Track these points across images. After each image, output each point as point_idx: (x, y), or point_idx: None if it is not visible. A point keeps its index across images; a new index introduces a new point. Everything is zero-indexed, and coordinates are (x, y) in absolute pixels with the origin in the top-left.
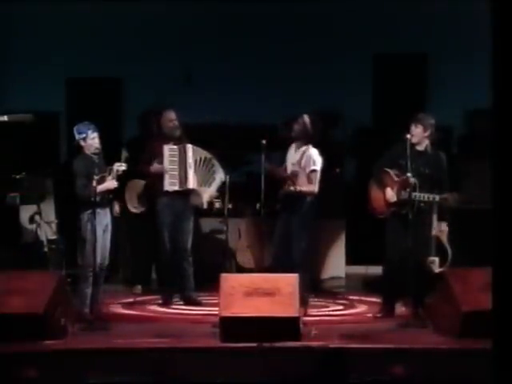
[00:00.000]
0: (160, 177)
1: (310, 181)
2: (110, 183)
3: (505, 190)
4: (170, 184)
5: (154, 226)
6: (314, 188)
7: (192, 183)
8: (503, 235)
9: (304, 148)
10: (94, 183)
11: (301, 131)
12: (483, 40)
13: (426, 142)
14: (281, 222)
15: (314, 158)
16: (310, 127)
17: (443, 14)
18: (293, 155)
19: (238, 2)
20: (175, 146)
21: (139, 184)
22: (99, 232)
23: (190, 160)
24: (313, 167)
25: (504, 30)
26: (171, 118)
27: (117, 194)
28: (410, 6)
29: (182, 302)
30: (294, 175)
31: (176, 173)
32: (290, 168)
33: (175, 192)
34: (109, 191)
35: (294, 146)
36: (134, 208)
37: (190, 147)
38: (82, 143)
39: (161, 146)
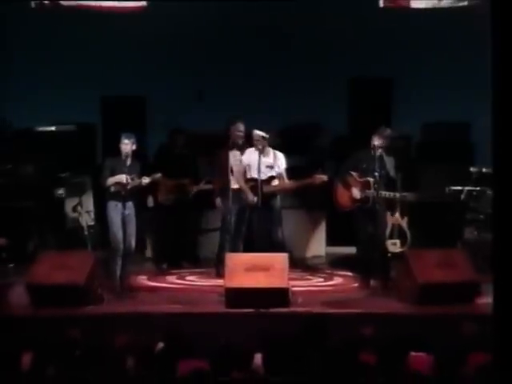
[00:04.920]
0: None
1: (285, 178)
2: (121, 178)
3: (504, 189)
4: (234, 183)
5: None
6: (292, 183)
7: None
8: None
9: (271, 152)
10: (125, 178)
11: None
12: (439, 65)
13: (381, 150)
14: (261, 213)
15: (283, 158)
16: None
17: (408, 45)
18: (262, 159)
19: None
20: (238, 152)
21: (169, 182)
22: (119, 221)
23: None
24: (285, 166)
25: (504, 30)
26: (240, 129)
27: (149, 191)
28: (379, 39)
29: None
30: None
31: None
32: (263, 169)
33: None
34: (137, 189)
35: (252, 150)
36: (165, 200)
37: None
38: (120, 147)
39: (227, 153)
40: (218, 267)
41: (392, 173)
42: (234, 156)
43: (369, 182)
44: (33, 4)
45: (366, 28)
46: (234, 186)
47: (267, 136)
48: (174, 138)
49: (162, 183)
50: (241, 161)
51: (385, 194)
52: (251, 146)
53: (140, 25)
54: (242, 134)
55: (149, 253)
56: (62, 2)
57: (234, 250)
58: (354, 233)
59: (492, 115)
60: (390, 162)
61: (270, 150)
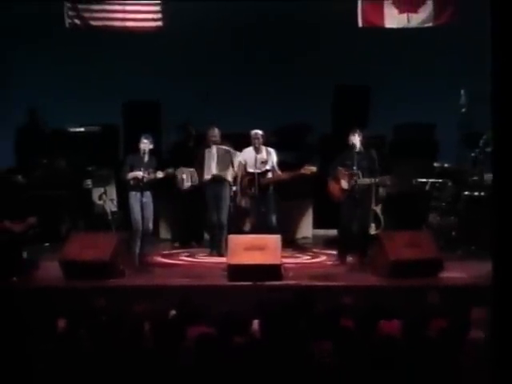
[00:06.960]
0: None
1: (277, 170)
2: (138, 174)
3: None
4: (206, 174)
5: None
6: (285, 174)
7: (214, 171)
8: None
9: (264, 149)
10: (143, 172)
11: (263, 140)
12: (409, 75)
13: (359, 145)
14: (258, 202)
15: (274, 153)
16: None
17: (382, 58)
18: (257, 156)
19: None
20: (209, 148)
21: (185, 170)
22: (138, 207)
23: (214, 156)
24: (276, 159)
25: (504, 30)
26: (213, 133)
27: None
28: (359, 54)
29: (215, 254)
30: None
31: (209, 165)
32: (259, 164)
33: (214, 177)
34: (153, 182)
35: (248, 150)
36: (183, 186)
37: (214, 147)
38: (139, 146)
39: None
40: (210, 247)
41: (372, 165)
42: (208, 152)
43: (353, 173)
44: (67, 24)
45: (348, 44)
46: (208, 176)
47: (263, 134)
48: (187, 129)
49: (180, 171)
50: (214, 155)
51: (366, 180)
52: (242, 144)
53: (155, 42)
54: (215, 137)
55: (163, 234)
56: (91, 23)
57: (228, 233)
58: (340, 217)
59: (492, 119)
60: (369, 156)
61: (263, 148)
